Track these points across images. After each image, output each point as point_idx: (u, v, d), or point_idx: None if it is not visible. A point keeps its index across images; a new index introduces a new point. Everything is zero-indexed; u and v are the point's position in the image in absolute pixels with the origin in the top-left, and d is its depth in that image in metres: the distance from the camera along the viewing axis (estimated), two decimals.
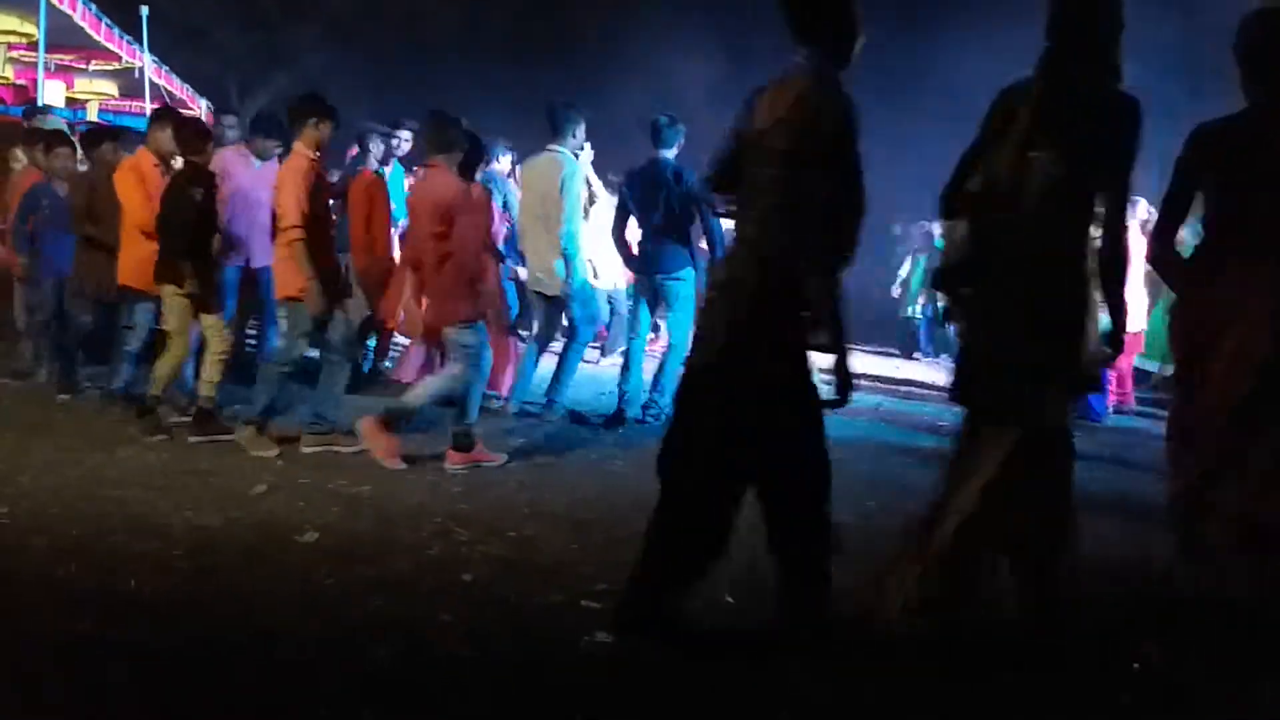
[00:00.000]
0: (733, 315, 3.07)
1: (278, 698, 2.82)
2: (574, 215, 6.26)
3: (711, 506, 3.20)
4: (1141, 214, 8.48)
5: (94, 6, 9.49)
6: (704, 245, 6.59)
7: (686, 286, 6.40)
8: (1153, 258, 3.93)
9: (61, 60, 11.63)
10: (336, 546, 3.94)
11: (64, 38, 9.61)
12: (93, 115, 13.19)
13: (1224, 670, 3.26)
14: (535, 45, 18.68)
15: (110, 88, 12.83)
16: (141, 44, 10.87)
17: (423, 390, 5.20)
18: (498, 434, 5.71)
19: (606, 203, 7.50)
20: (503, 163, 7.38)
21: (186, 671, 2.92)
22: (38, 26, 8.58)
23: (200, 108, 14.42)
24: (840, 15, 3.08)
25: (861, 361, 4.92)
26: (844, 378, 3.07)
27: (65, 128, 7.76)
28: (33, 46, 9.56)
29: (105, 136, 6.63)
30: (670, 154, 6.39)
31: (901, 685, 3.13)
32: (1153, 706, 3.06)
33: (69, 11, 8.80)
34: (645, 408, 6.49)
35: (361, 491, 4.65)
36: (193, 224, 5.36)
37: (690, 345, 3.35)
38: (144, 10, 10.83)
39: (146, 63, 11.15)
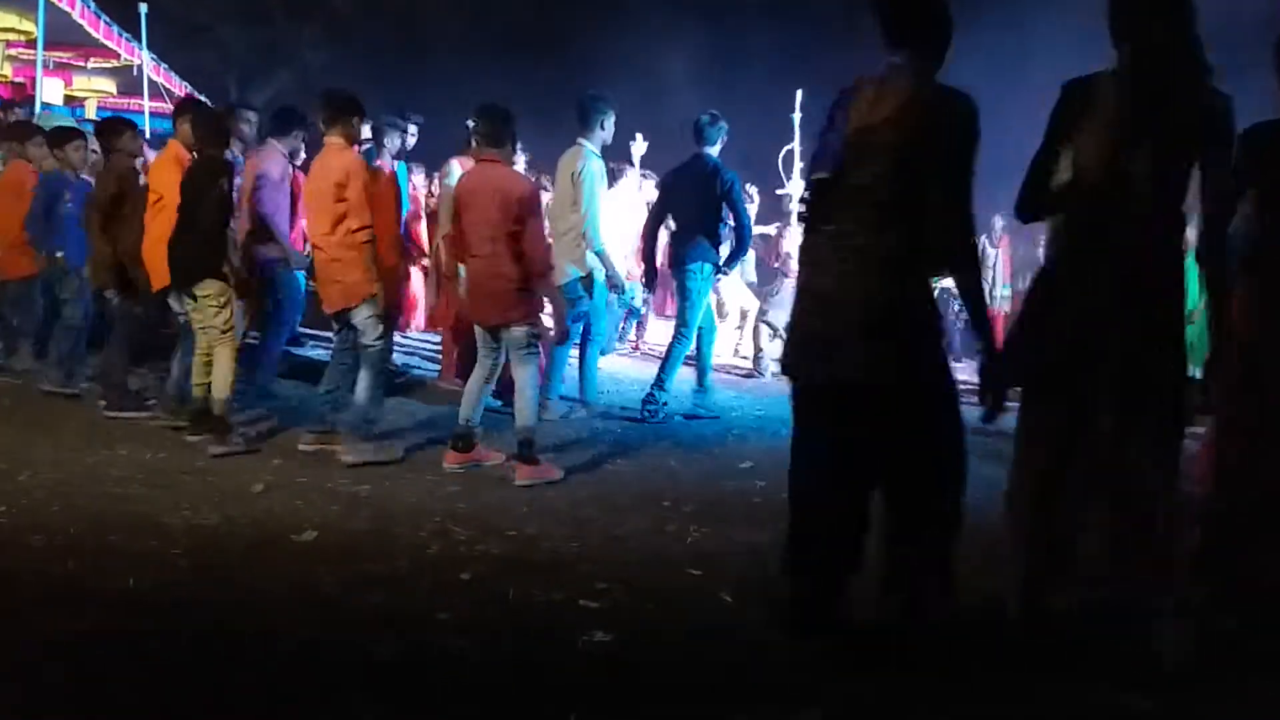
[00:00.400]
0: (863, 321, 2.93)
1: (277, 695, 2.82)
2: (592, 206, 6.14)
3: (853, 512, 3.15)
4: None
5: (92, 4, 9.50)
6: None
7: (699, 281, 6.42)
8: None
9: (60, 58, 11.63)
10: (335, 545, 3.94)
11: (63, 35, 9.61)
12: (91, 113, 13.20)
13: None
14: (535, 41, 18.68)
15: (109, 85, 12.84)
16: (140, 41, 10.87)
17: (525, 408, 4.99)
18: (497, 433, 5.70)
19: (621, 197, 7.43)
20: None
21: (185, 669, 2.92)
22: (36, 24, 8.57)
23: None
24: (941, 17, 3.04)
25: None
26: (997, 386, 3.06)
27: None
28: (31, 44, 9.56)
29: (125, 126, 6.39)
30: (713, 150, 6.42)
31: (905, 683, 3.14)
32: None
33: (68, 9, 8.81)
34: (645, 403, 6.47)
35: (360, 490, 4.66)
36: (225, 219, 5.31)
37: (795, 357, 3.15)
38: (143, 7, 10.82)
39: (145, 60, 11.15)
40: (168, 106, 12.78)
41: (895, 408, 2.98)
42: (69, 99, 12.90)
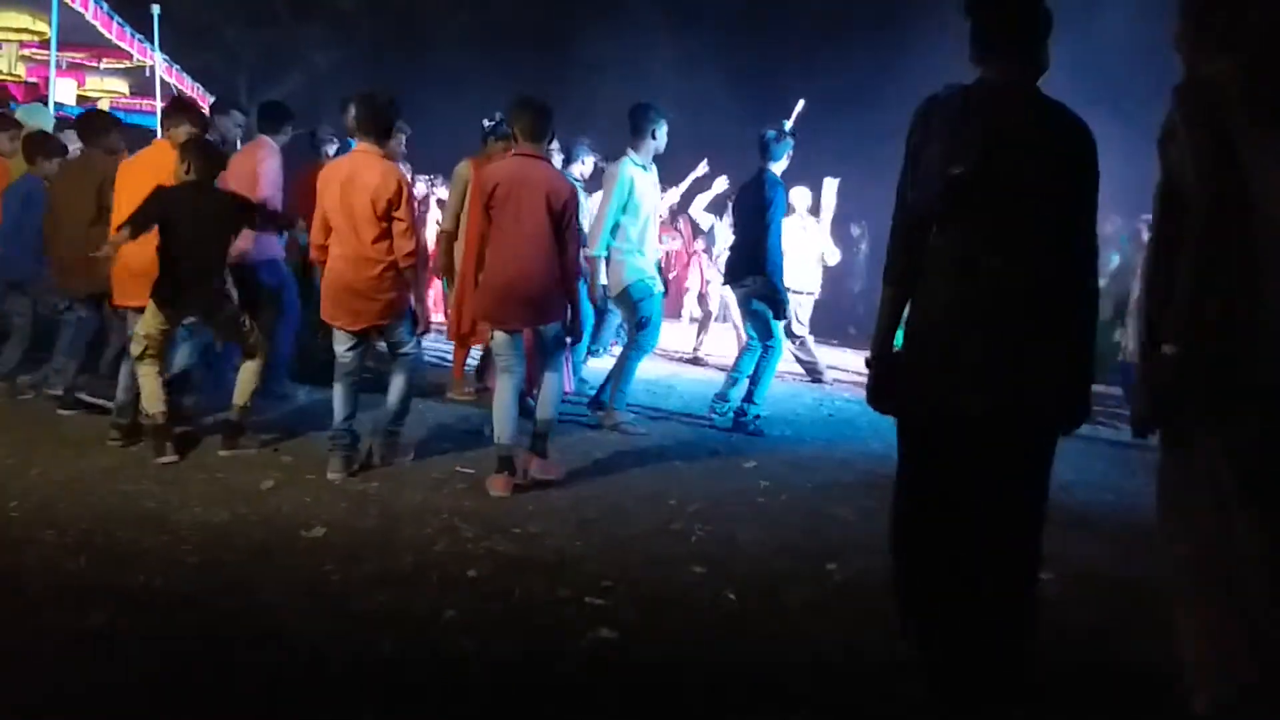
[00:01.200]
0: (994, 350, 2.76)
1: (284, 691, 2.85)
2: (609, 216, 6.11)
3: (968, 551, 2.96)
4: None
5: (105, 5, 9.55)
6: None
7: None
8: None
9: (73, 58, 11.70)
10: (343, 542, 3.98)
11: (76, 36, 9.66)
12: None
13: None
14: (540, 40, 18.71)
15: (121, 86, 12.90)
16: (153, 42, 10.93)
17: (550, 403, 4.96)
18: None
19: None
20: (586, 164, 7.13)
21: (194, 664, 2.96)
22: (50, 24, 8.63)
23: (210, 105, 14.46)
24: (1048, 24, 2.86)
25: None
26: (1086, 405, 2.87)
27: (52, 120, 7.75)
28: (45, 44, 9.62)
29: (110, 124, 6.22)
30: (775, 167, 6.39)
31: (909, 686, 3.16)
32: None
33: (81, 10, 8.86)
34: (738, 415, 6.48)
35: (368, 488, 4.69)
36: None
37: (918, 387, 2.87)
38: (155, 9, 10.89)
39: (158, 61, 11.21)
40: None
41: (1019, 439, 2.85)
42: (82, 99, 12.97)
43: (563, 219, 4.76)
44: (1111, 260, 8.84)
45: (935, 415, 2.86)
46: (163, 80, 11.64)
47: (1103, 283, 5.85)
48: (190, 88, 13.27)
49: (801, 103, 7.26)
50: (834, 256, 9.36)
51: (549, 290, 4.82)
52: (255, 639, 3.14)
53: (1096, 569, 4.28)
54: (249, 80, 23.04)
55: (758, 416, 6.44)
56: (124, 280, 5.30)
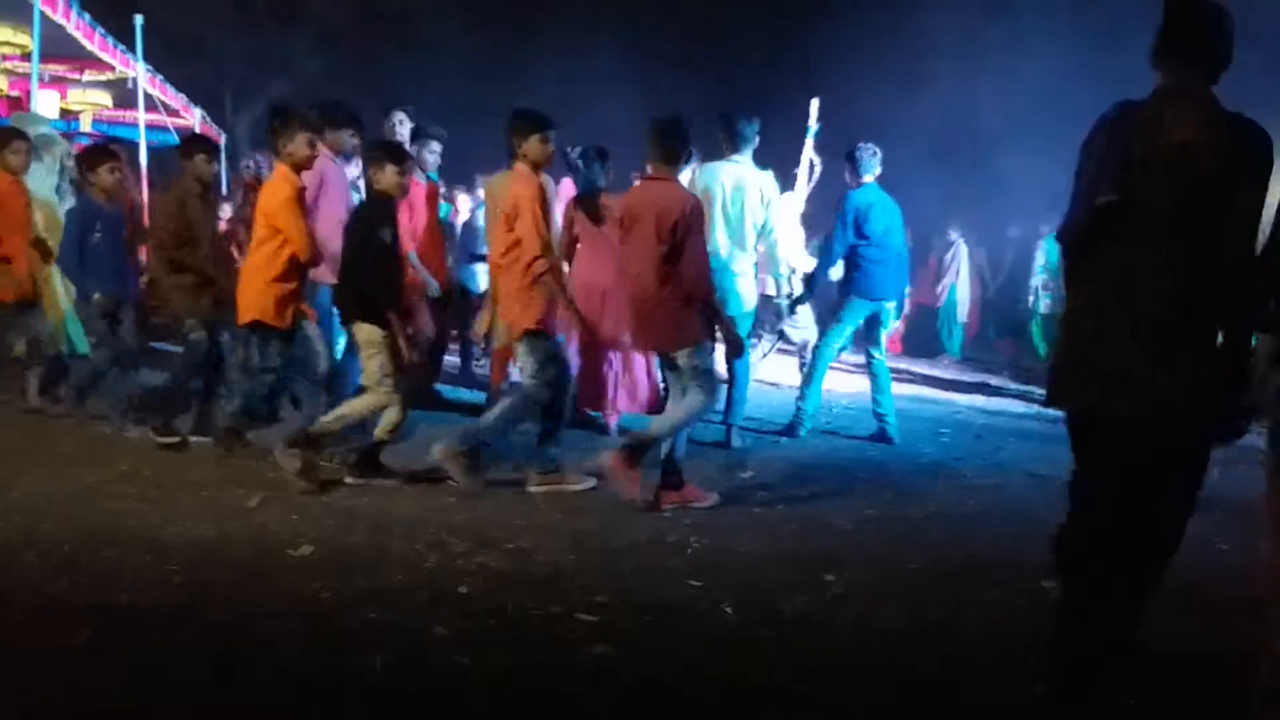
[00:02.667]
0: (1140, 354, 2.80)
1: (273, 709, 2.80)
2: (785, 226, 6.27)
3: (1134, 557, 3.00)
4: None
5: (88, 16, 9.46)
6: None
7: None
8: None
9: (55, 71, 11.59)
10: (332, 559, 3.91)
11: (58, 48, 9.57)
12: (86, 126, 13.18)
13: None
14: (531, 46, 18.70)
15: (104, 98, 12.79)
16: (135, 53, 10.85)
17: (666, 422, 4.84)
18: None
19: None
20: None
21: (181, 685, 2.90)
22: (31, 37, 8.54)
23: (195, 117, 14.39)
24: (1230, 36, 2.88)
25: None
26: (1242, 413, 2.88)
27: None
28: (26, 57, 9.52)
29: (204, 147, 5.89)
30: (869, 179, 6.46)
31: (906, 696, 3.11)
32: None
33: (62, 21, 8.77)
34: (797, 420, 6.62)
35: (356, 504, 4.63)
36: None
37: (1081, 389, 2.94)
38: (138, 19, 10.81)
39: (141, 72, 11.12)
40: (164, 119, 12.79)
41: (1179, 444, 2.89)
42: (64, 112, 12.87)
43: (673, 238, 4.65)
44: None
45: (1091, 419, 2.94)
46: (146, 91, 11.56)
47: None
48: (174, 98, 13.18)
49: (816, 102, 7.25)
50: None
51: (673, 315, 4.73)
52: (243, 657, 3.09)
53: None
54: (234, 89, 22.97)
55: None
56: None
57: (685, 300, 4.69)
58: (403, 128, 6.58)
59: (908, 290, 8.71)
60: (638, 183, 4.98)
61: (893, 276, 6.62)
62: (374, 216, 4.94)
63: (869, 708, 3.03)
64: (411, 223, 6.09)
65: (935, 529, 4.72)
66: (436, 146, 6.55)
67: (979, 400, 9.03)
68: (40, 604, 3.37)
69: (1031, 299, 11.50)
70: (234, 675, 2.98)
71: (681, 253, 4.64)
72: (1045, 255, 11.19)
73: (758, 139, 6.09)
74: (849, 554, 4.28)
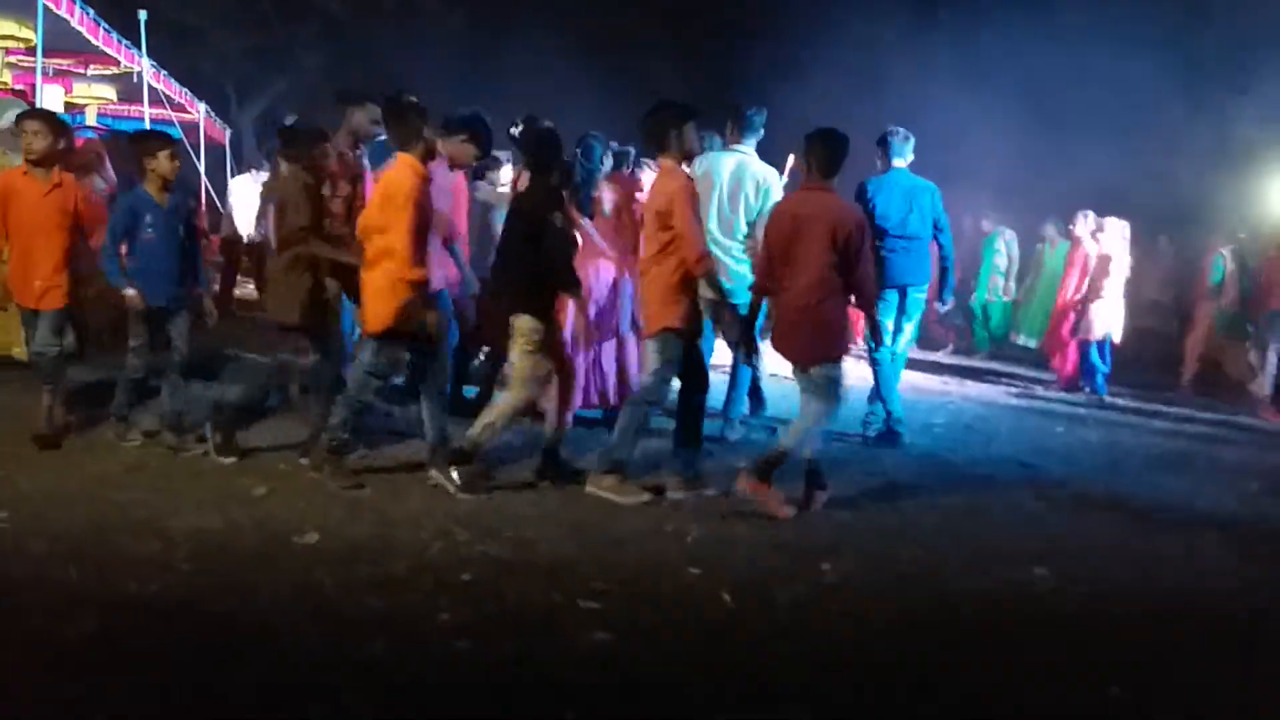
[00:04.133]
0: None
1: (279, 695, 2.85)
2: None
3: None
4: (1091, 224, 8.96)
5: (92, 11, 9.50)
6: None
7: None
8: None
9: (60, 65, 11.64)
10: (337, 548, 3.97)
11: (62, 42, 9.61)
12: (91, 120, 13.22)
13: None
14: (535, 38, 18.70)
15: (109, 92, 12.85)
16: (140, 48, 10.89)
17: (794, 433, 4.78)
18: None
19: None
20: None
21: (188, 671, 2.95)
22: (36, 31, 8.58)
23: (199, 111, 14.44)
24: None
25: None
26: None
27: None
28: (31, 51, 9.57)
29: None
30: (903, 164, 6.36)
31: (899, 684, 3.17)
32: None
33: (67, 16, 8.81)
34: (866, 423, 6.41)
35: (362, 493, 4.67)
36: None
37: None
38: (142, 14, 10.85)
39: (145, 67, 11.17)
40: (168, 113, 12.84)
41: None
42: (69, 106, 12.91)
43: (847, 251, 4.67)
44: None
45: None
46: (151, 85, 11.61)
47: None
48: (178, 92, 13.23)
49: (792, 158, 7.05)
50: None
51: (828, 327, 4.74)
52: (249, 644, 3.14)
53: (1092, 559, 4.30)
54: (238, 83, 23.00)
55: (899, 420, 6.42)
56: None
57: (842, 313, 4.75)
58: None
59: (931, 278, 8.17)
60: (797, 192, 4.89)
61: (914, 263, 6.39)
62: (546, 205, 4.83)
63: (862, 696, 3.09)
64: (455, 215, 5.95)
65: (928, 519, 4.77)
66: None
67: (971, 390, 9.07)
68: (48, 593, 3.42)
69: (985, 291, 11.65)
70: (239, 663, 3.03)
71: (854, 265, 4.67)
72: (995, 248, 11.46)
73: (763, 130, 6.06)
74: (844, 544, 4.34)
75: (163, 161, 5.17)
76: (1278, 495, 5.72)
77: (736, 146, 6.05)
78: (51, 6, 8.37)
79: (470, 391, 6.34)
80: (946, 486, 5.33)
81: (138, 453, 5.12)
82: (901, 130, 6.45)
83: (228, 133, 16.19)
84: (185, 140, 13.75)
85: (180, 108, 13.57)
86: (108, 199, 7.91)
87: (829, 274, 4.66)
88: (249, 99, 23.08)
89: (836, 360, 4.73)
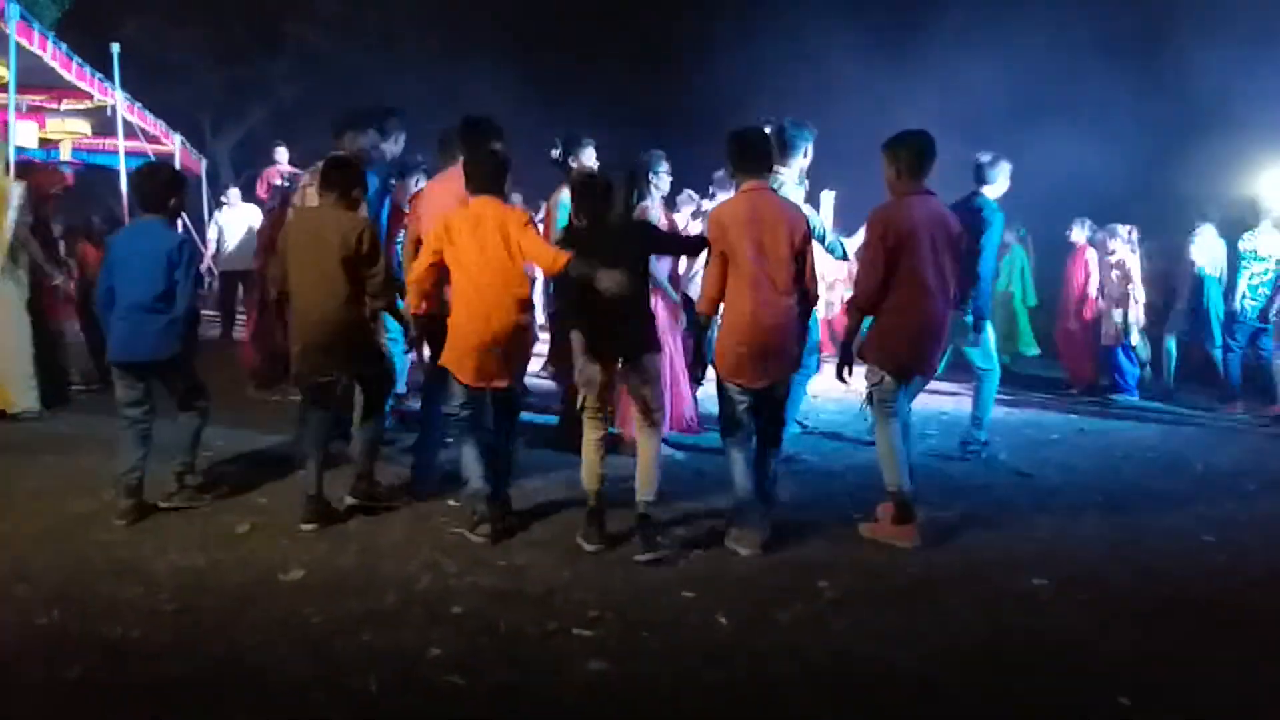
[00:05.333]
0: None
1: None
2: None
3: None
4: (1088, 230, 9.08)
5: (64, 46, 9.45)
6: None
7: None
8: None
9: (33, 101, 11.57)
10: (323, 583, 3.90)
11: (35, 78, 9.54)
12: (66, 154, 13.16)
13: None
14: (513, 67, 18.75)
15: (83, 126, 12.77)
16: (113, 81, 10.84)
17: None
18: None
19: None
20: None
21: (177, 714, 2.89)
22: (8, 68, 8.52)
23: (174, 143, 14.36)
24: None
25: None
26: None
27: None
28: (3, 88, 9.49)
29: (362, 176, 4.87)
30: (990, 190, 6.16)
31: (907, 699, 3.12)
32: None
33: (39, 51, 8.74)
34: (964, 444, 6.35)
35: (347, 526, 4.60)
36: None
37: None
38: (115, 47, 10.80)
39: (119, 100, 11.10)
40: (143, 145, 12.76)
41: None
42: (44, 141, 12.84)
43: (953, 256, 4.62)
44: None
45: None
46: (125, 119, 11.54)
47: None
48: (153, 125, 13.16)
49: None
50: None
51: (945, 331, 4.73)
52: (238, 684, 3.08)
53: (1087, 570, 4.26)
54: (213, 114, 22.94)
55: (985, 443, 6.33)
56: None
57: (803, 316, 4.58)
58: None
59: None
60: (909, 198, 4.60)
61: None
62: (653, 245, 4.75)
63: (867, 713, 3.04)
64: None
65: (925, 532, 4.73)
66: None
67: (965, 402, 9.03)
68: (32, 637, 3.36)
69: None
70: (229, 704, 2.96)
71: (956, 270, 4.67)
72: None
73: (810, 152, 5.73)
74: (841, 560, 4.29)
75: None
76: (1274, 493, 5.70)
77: (777, 168, 5.53)
78: (24, 43, 8.31)
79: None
80: (943, 497, 5.28)
81: (118, 493, 5.02)
82: (994, 153, 6.35)
83: (203, 163, 16.10)
84: None
85: (155, 139, 13.50)
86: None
87: (955, 278, 4.66)
88: (224, 129, 23.02)
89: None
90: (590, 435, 4.47)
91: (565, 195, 6.02)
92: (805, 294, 4.51)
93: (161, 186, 4.75)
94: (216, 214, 11.87)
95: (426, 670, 3.18)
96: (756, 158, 4.53)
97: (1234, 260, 9.02)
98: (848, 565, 4.24)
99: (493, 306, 4.37)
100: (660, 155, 6.13)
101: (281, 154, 12.56)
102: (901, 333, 4.61)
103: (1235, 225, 9.42)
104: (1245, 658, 3.48)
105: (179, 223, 4.98)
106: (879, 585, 4.04)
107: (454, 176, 4.87)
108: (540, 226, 6.06)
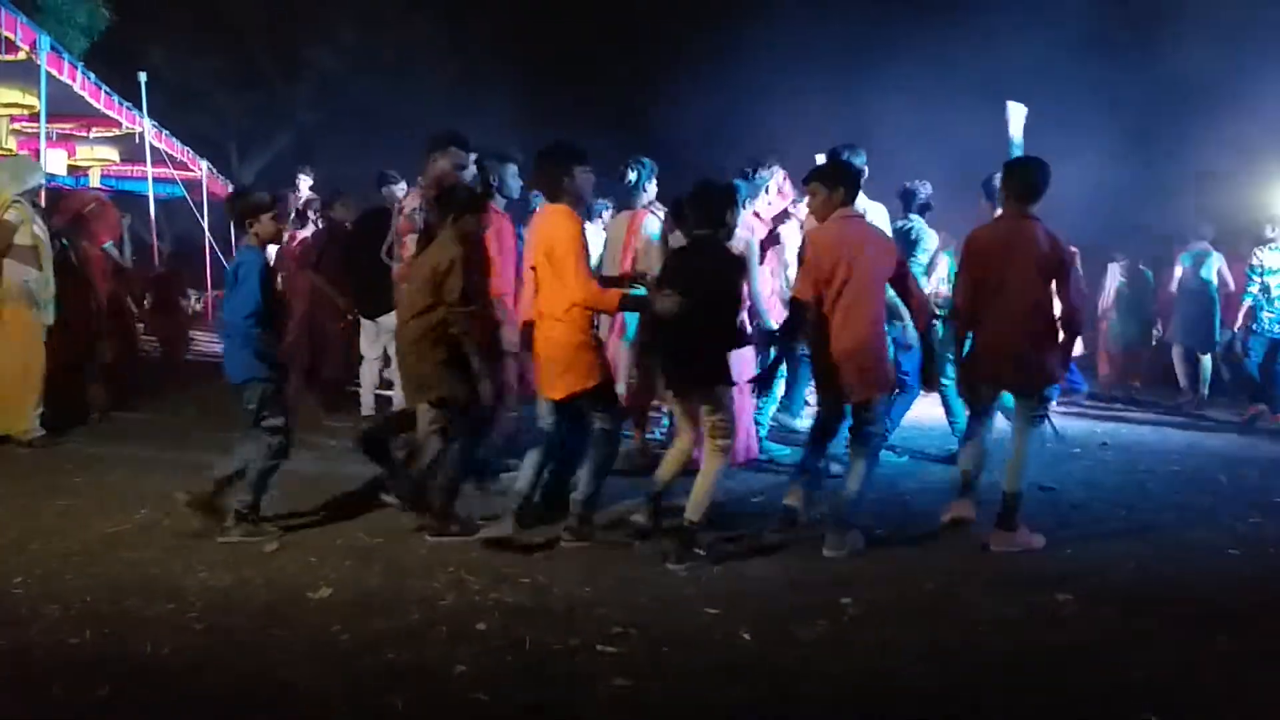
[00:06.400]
0: None
1: None
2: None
3: None
4: None
5: (93, 75, 9.63)
6: None
7: None
8: None
9: (63, 129, 11.78)
10: (350, 600, 3.93)
11: (64, 106, 9.74)
12: (95, 181, 13.36)
13: None
14: (527, 90, 18.93)
15: (111, 153, 12.99)
16: (141, 109, 11.02)
17: (1016, 473, 4.75)
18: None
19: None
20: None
21: None
22: (39, 98, 8.69)
23: (201, 169, 14.57)
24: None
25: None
26: None
27: None
28: (34, 117, 9.69)
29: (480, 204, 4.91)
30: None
31: (934, 717, 3.11)
32: None
33: (68, 81, 8.93)
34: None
35: (373, 544, 4.64)
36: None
37: None
38: (142, 76, 11.00)
39: (146, 127, 11.30)
40: (171, 172, 12.96)
41: None
42: (73, 168, 13.06)
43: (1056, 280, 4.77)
44: None
45: None
46: (153, 146, 11.72)
47: None
48: (180, 151, 13.36)
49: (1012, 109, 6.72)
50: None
51: (1054, 351, 4.85)
52: (267, 703, 3.11)
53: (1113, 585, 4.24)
54: (239, 141, 23.23)
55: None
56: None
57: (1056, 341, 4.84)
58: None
59: None
60: (1001, 220, 4.90)
61: None
62: (738, 276, 4.78)
63: None
64: (500, 260, 5.43)
65: (946, 546, 4.72)
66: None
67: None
68: (63, 657, 3.40)
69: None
70: None
71: (1063, 294, 4.80)
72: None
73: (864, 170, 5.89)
74: (863, 576, 4.28)
75: (266, 224, 4.78)
76: None
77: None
78: (54, 73, 8.49)
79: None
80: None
81: (148, 512, 5.09)
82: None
83: (230, 189, 16.33)
84: (189, 198, 13.97)
85: (183, 166, 13.70)
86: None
87: (1051, 301, 4.77)
88: (250, 155, 23.31)
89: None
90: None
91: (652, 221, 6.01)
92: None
93: (249, 208, 4.77)
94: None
95: (452, 687, 3.20)
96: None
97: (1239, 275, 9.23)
98: (869, 581, 4.23)
99: None
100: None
101: (304, 181, 12.71)
102: (995, 348, 4.86)
103: (1230, 242, 9.62)
104: (1273, 673, 3.45)
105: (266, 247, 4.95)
106: (901, 601, 4.03)
107: None
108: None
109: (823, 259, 4.63)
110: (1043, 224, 4.78)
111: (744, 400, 5.82)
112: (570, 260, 4.47)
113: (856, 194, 4.88)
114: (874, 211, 6.08)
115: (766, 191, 6.48)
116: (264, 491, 4.77)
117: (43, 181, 7.09)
